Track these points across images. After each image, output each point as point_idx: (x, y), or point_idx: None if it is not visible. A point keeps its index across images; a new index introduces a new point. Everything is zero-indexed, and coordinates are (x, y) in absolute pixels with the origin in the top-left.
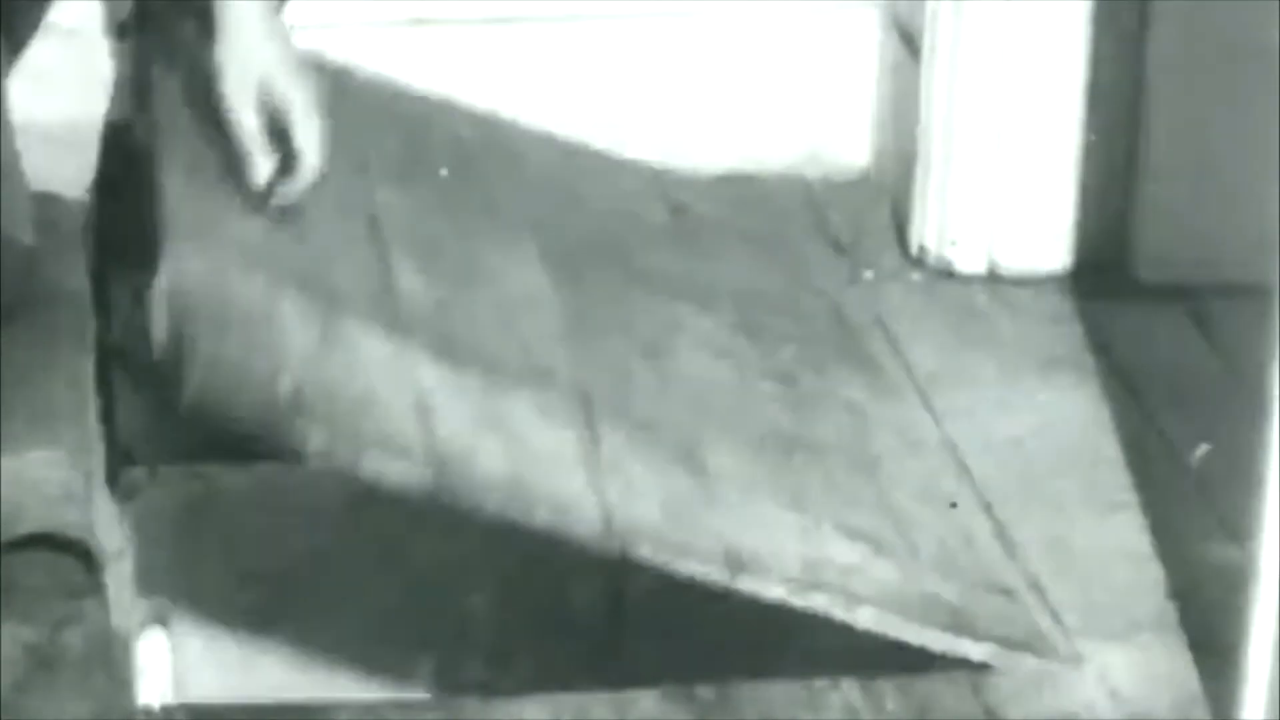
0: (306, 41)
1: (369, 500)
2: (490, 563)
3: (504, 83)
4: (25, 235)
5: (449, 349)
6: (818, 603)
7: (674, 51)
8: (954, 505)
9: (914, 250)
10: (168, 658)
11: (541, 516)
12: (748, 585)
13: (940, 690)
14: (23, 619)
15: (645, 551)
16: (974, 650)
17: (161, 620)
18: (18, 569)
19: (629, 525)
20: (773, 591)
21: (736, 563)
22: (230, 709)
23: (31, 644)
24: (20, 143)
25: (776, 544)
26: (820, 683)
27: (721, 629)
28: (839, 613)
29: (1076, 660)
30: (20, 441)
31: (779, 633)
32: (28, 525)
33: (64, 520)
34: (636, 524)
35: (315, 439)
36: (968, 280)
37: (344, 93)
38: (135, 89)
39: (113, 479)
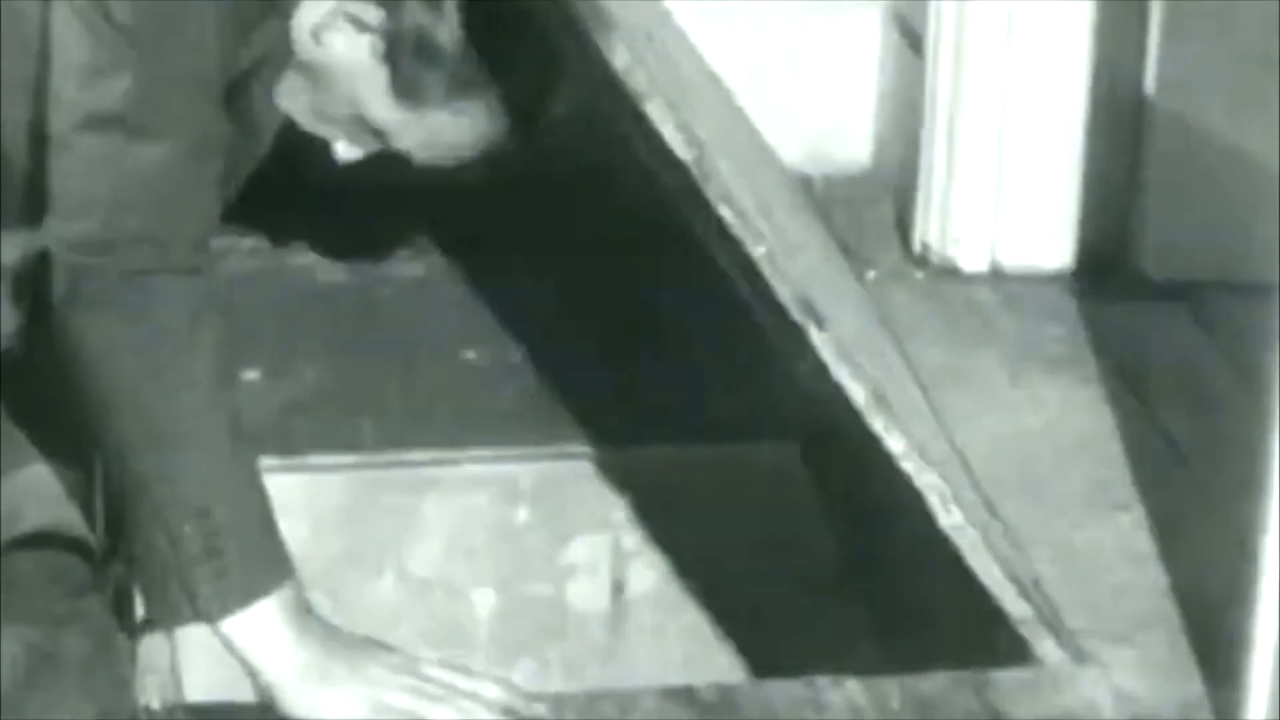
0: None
1: None
2: None
3: None
4: None
5: None
6: None
7: None
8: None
9: (917, 248)
10: (168, 657)
11: None
12: None
13: (943, 689)
14: (24, 618)
15: None
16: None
17: None
18: (19, 568)
19: None
20: None
21: None
22: (230, 709)
23: (33, 643)
24: None
25: None
26: (823, 682)
27: None
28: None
29: (1079, 660)
30: (21, 442)
31: None
32: (29, 524)
33: (65, 519)
34: None
35: None
36: (970, 278)
37: None
38: None
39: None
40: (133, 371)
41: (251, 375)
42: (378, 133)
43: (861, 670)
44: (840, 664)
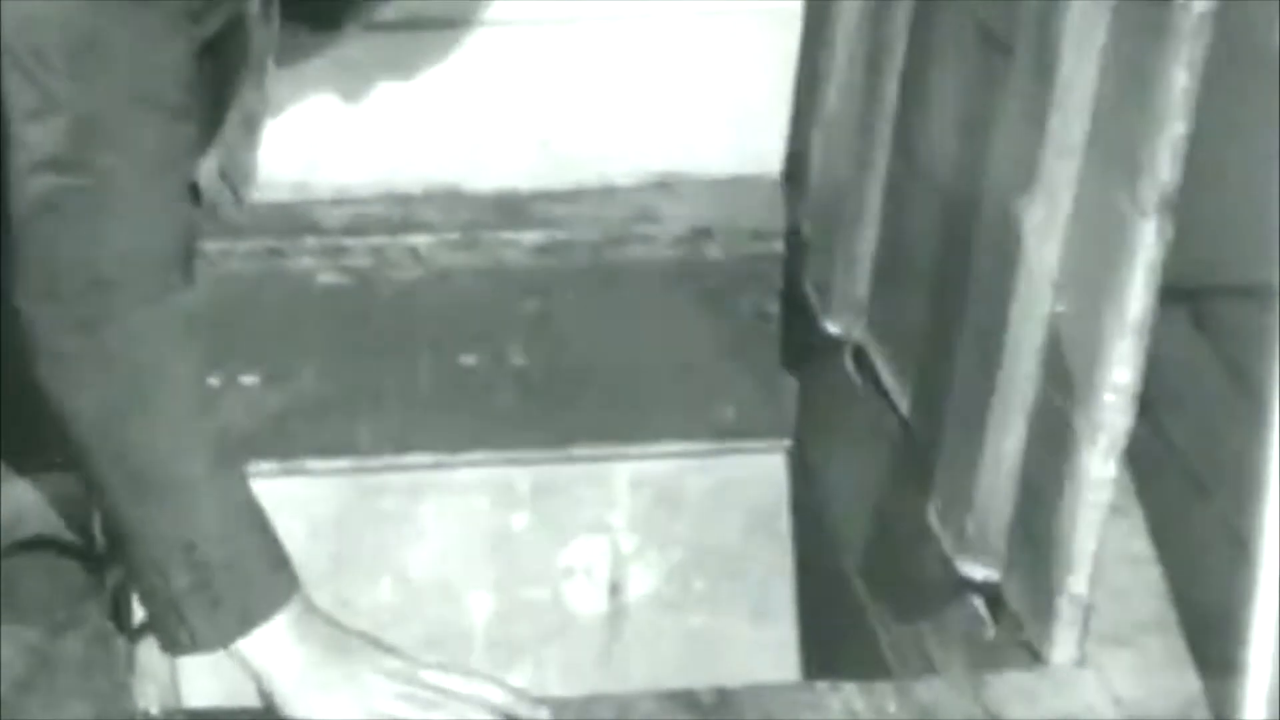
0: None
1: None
2: None
3: (495, 87)
4: None
5: None
6: None
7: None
8: None
9: None
10: (166, 661)
11: None
12: None
13: (941, 693)
14: (23, 620)
15: None
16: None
17: None
18: (19, 572)
19: None
20: None
21: None
22: (230, 712)
23: (31, 646)
24: None
25: None
26: (821, 685)
27: None
28: None
29: (1077, 663)
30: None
31: None
32: (28, 529)
33: (64, 524)
34: None
35: None
36: None
37: None
38: None
39: None
40: (101, 419)
41: (249, 379)
42: None
43: (859, 673)
44: (838, 667)
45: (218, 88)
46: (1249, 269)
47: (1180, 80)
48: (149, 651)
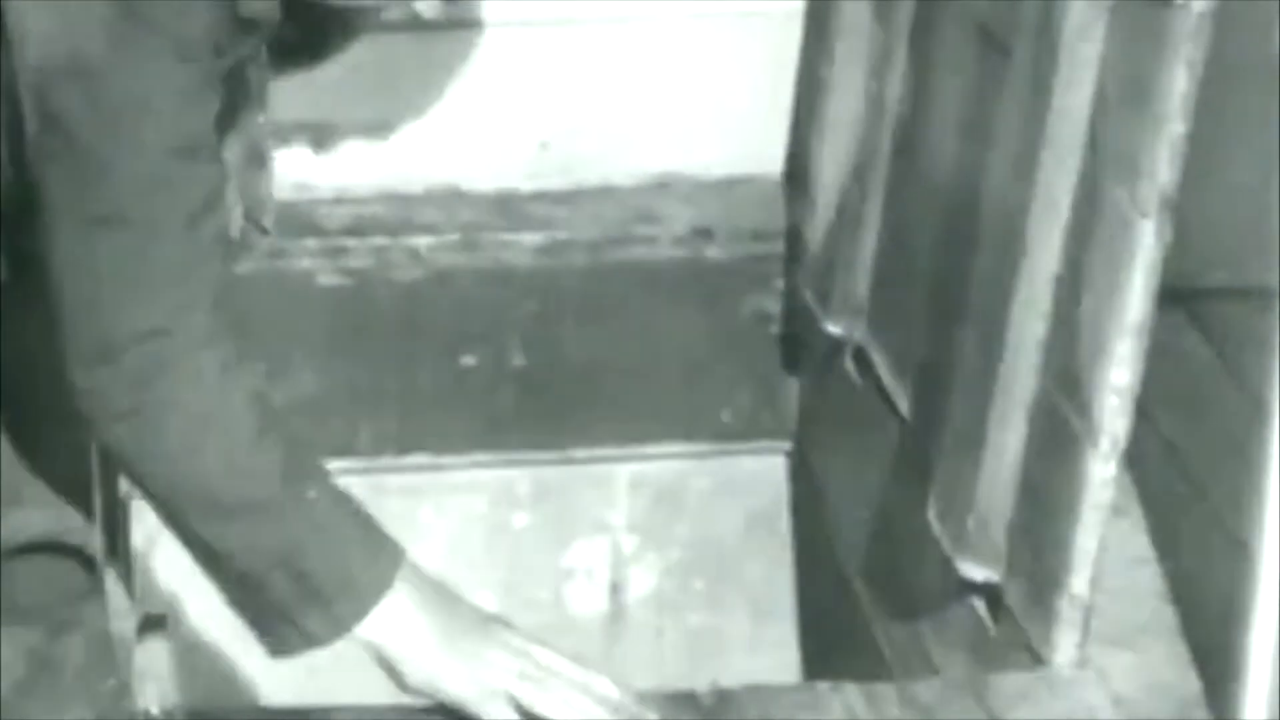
0: None
1: None
2: None
3: (495, 88)
4: None
5: None
6: None
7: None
8: None
9: None
10: (166, 662)
11: None
12: None
13: (942, 694)
14: (23, 623)
15: None
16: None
17: (161, 623)
18: (19, 574)
19: None
20: None
21: None
22: (230, 711)
23: (32, 648)
24: None
25: None
26: (821, 686)
27: None
28: None
29: (1078, 664)
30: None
31: None
32: (29, 530)
33: (64, 525)
34: None
35: None
36: None
37: None
38: None
39: (111, 483)
40: (170, 467)
41: None
42: None
43: (859, 674)
44: (839, 668)
45: (220, 128)
46: (1249, 269)
47: (1179, 80)
48: (149, 652)
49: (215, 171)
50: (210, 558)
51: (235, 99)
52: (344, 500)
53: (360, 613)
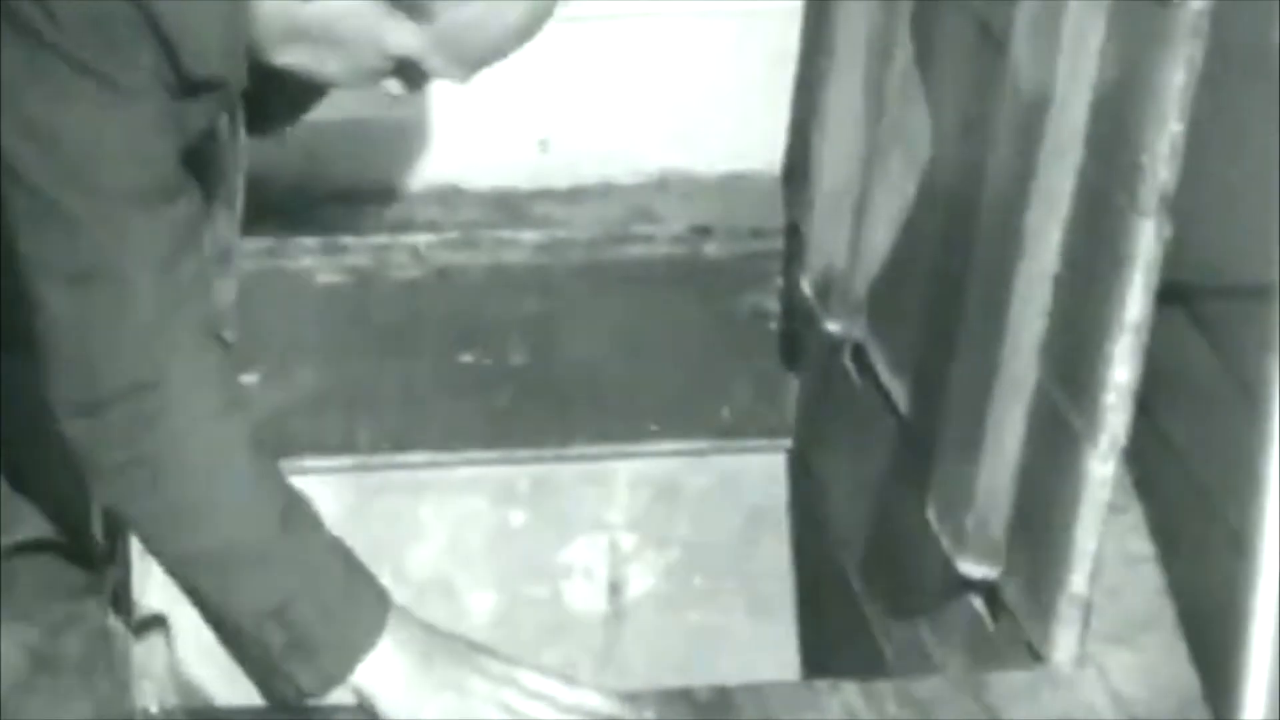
0: None
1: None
2: None
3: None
4: None
5: None
6: None
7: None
8: None
9: None
10: (166, 660)
11: None
12: None
13: (941, 691)
14: (23, 620)
15: None
16: None
17: (160, 622)
18: (19, 572)
19: None
20: None
21: None
22: (230, 710)
23: (32, 646)
24: None
25: None
26: (820, 684)
27: None
28: None
29: (1077, 662)
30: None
31: None
32: (28, 529)
33: (64, 524)
34: None
35: None
36: None
37: None
38: None
39: None
40: (166, 518)
41: (249, 377)
42: (410, 64)
43: (858, 672)
44: (838, 665)
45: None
46: (1249, 267)
47: (1178, 79)
48: (148, 650)
49: (185, 211)
50: (208, 608)
51: (208, 179)
52: (335, 548)
53: (348, 666)
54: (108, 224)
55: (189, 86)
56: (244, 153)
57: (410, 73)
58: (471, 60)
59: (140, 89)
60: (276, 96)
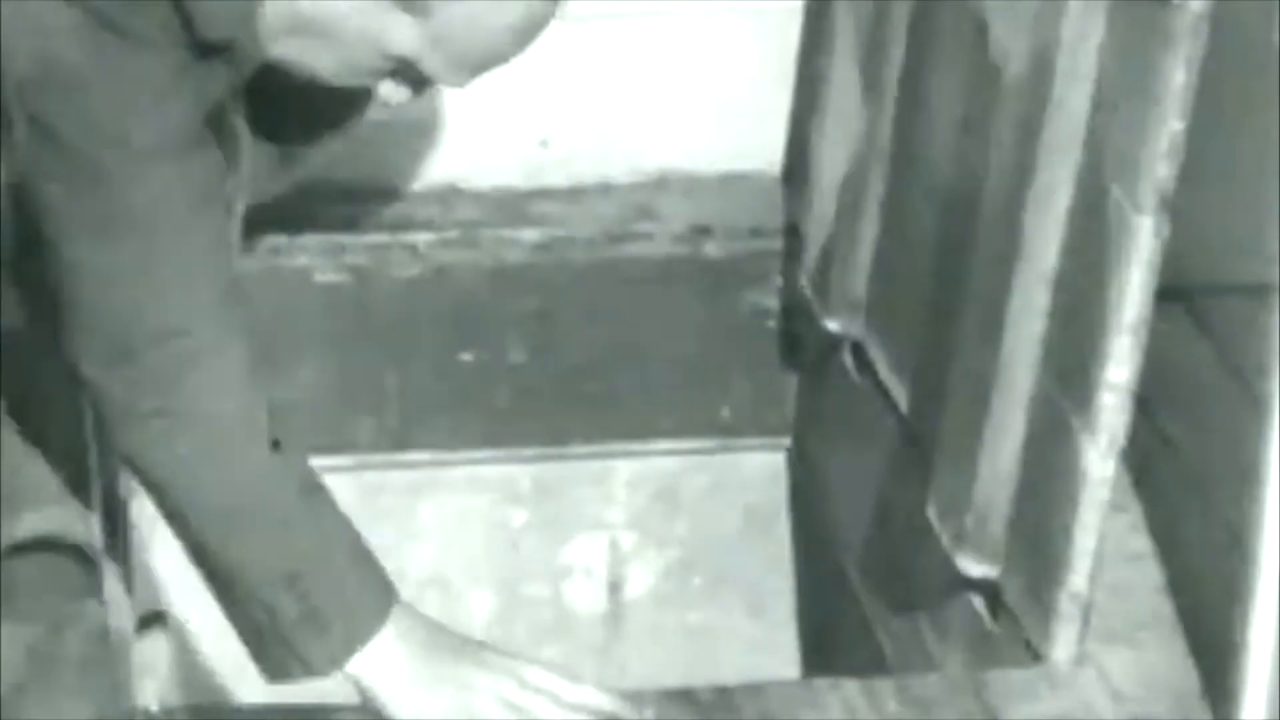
0: None
1: None
2: None
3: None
4: None
5: None
6: None
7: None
8: None
9: None
10: (165, 659)
11: None
12: None
13: (941, 690)
14: (22, 620)
15: None
16: None
17: (160, 620)
18: (17, 571)
19: None
20: None
21: None
22: (230, 710)
23: (31, 645)
24: None
25: None
26: (820, 682)
27: None
28: None
29: (1077, 660)
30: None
31: None
32: (28, 528)
33: (63, 522)
34: None
35: None
36: None
37: None
38: None
39: (110, 481)
40: (190, 470)
41: None
42: (408, 65)
43: (858, 671)
44: (838, 664)
45: None
46: (1249, 269)
47: (1177, 79)
48: (149, 648)
49: (206, 166)
50: (218, 574)
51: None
52: (352, 530)
53: (355, 644)
54: (134, 175)
55: (201, 48)
56: (245, 154)
57: (408, 75)
58: (469, 62)
59: (160, 43)
60: (307, 105)
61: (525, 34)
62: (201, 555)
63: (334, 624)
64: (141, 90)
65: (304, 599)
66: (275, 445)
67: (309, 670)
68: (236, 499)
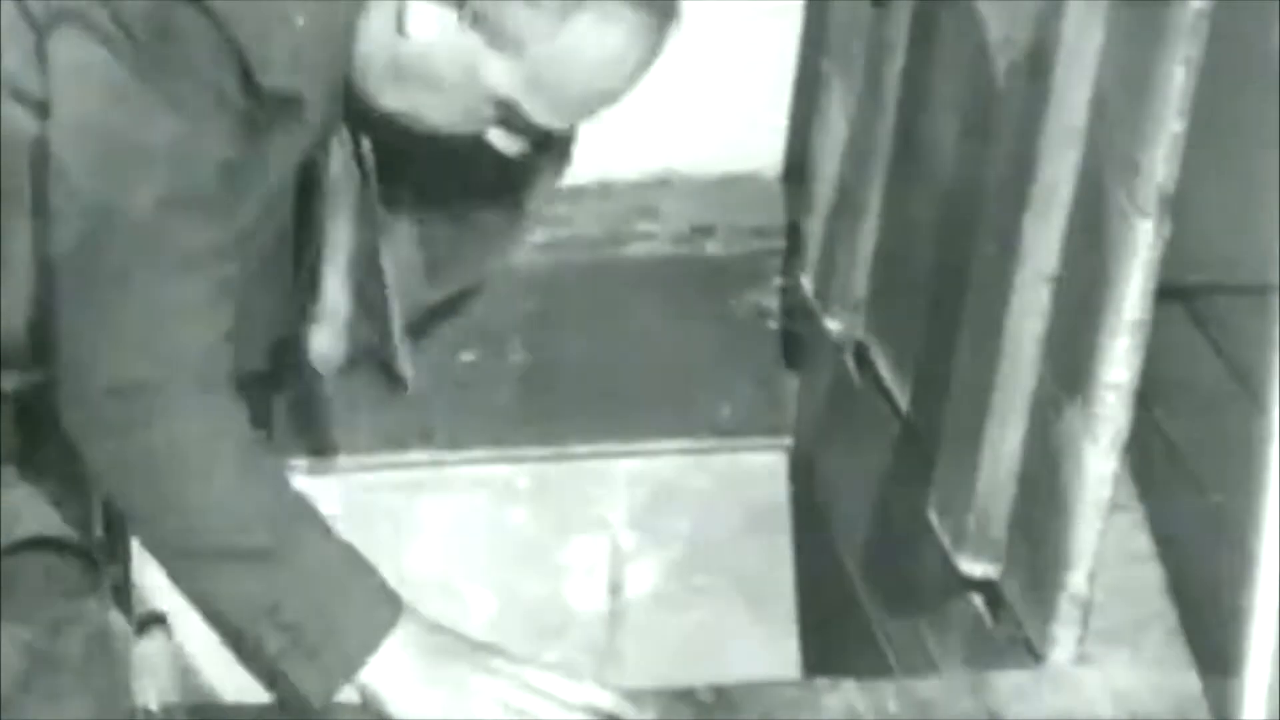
0: None
1: None
2: None
3: None
4: None
5: None
6: None
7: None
8: None
9: None
10: (166, 659)
11: None
12: None
13: (941, 691)
14: (22, 620)
15: None
16: None
17: (161, 620)
18: (17, 570)
19: None
20: None
21: None
22: (230, 709)
23: (31, 645)
24: None
25: None
26: (820, 682)
27: None
28: None
29: (1077, 660)
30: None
31: None
32: (28, 528)
33: (63, 523)
34: None
35: None
36: None
37: None
38: None
39: None
40: (156, 513)
41: None
42: (511, 110)
43: (859, 671)
44: (838, 664)
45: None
46: (1249, 269)
47: (1177, 79)
48: (148, 649)
49: (216, 227)
50: (204, 607)
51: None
52: (337, 549)
53: (353, 666)
54: (133, 224)
55: (256, 97)
56: (370, 214)
57: (513, 121)
58: (571, 103)
59: (198, 101)
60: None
61: (629, 69)
62: (177, 585)
63: (323, 650)
64: (164, 143)
65: (286, 630)
66: (263, 482)
67: (309, 696)
68: (201, 543)
